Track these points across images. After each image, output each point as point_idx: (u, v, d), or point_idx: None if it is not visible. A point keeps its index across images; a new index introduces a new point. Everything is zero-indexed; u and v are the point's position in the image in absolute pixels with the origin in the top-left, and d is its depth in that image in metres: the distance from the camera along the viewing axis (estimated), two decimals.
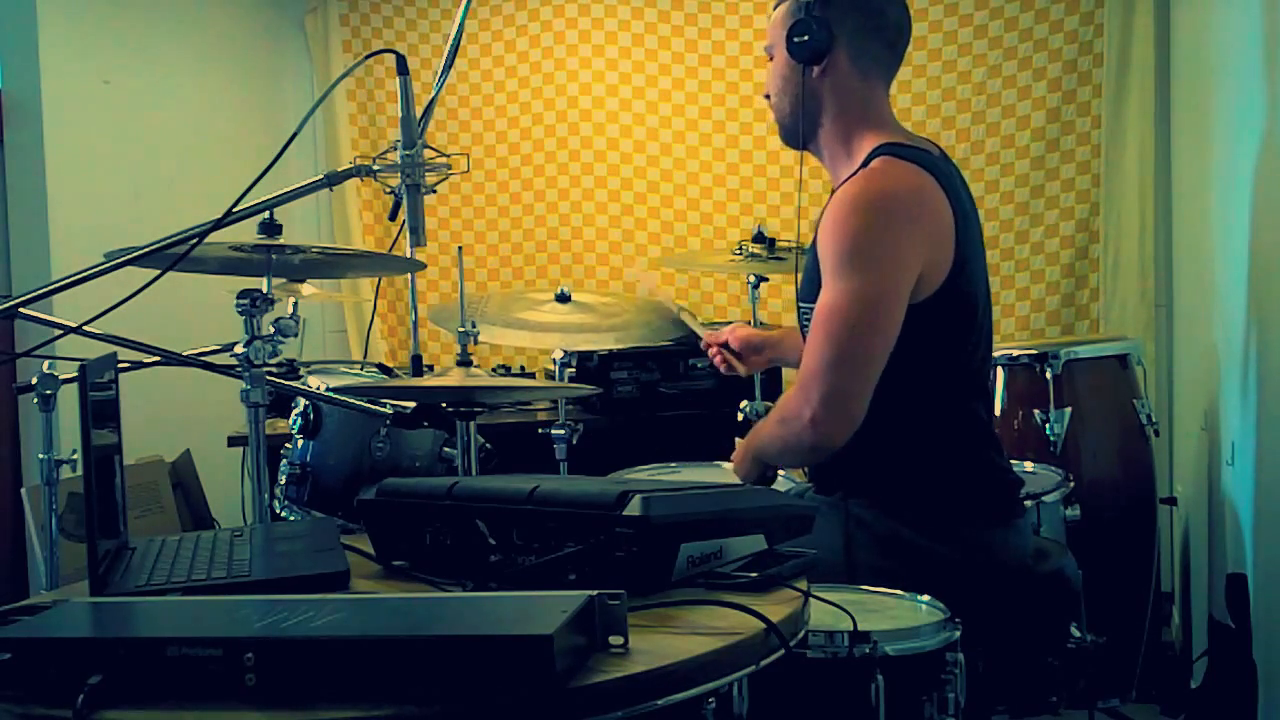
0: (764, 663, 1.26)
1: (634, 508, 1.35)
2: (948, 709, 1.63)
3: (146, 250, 1.80)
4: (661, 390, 3.40)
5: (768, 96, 2.16)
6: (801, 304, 2.09)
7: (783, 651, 1.27)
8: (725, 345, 2.51)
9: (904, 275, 1.91)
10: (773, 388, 3.42)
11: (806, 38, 2.02)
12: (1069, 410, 2.86)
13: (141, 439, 3.30)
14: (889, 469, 1.98)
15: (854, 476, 2.00)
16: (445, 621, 1.16)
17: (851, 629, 1.56)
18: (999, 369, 2.95)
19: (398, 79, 1.85)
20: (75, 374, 1.55)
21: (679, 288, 4.14)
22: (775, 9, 2.12)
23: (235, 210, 1.77)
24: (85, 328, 1.89)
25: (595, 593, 1.17)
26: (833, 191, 2.19)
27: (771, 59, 2.13)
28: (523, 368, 3.88)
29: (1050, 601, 2.07)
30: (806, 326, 2.05)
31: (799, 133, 2.09)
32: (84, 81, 3.49)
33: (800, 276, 2.11)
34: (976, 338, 2.02)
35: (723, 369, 2.53)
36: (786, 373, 3.68)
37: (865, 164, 2.00)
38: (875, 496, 1.97)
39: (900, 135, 2.06)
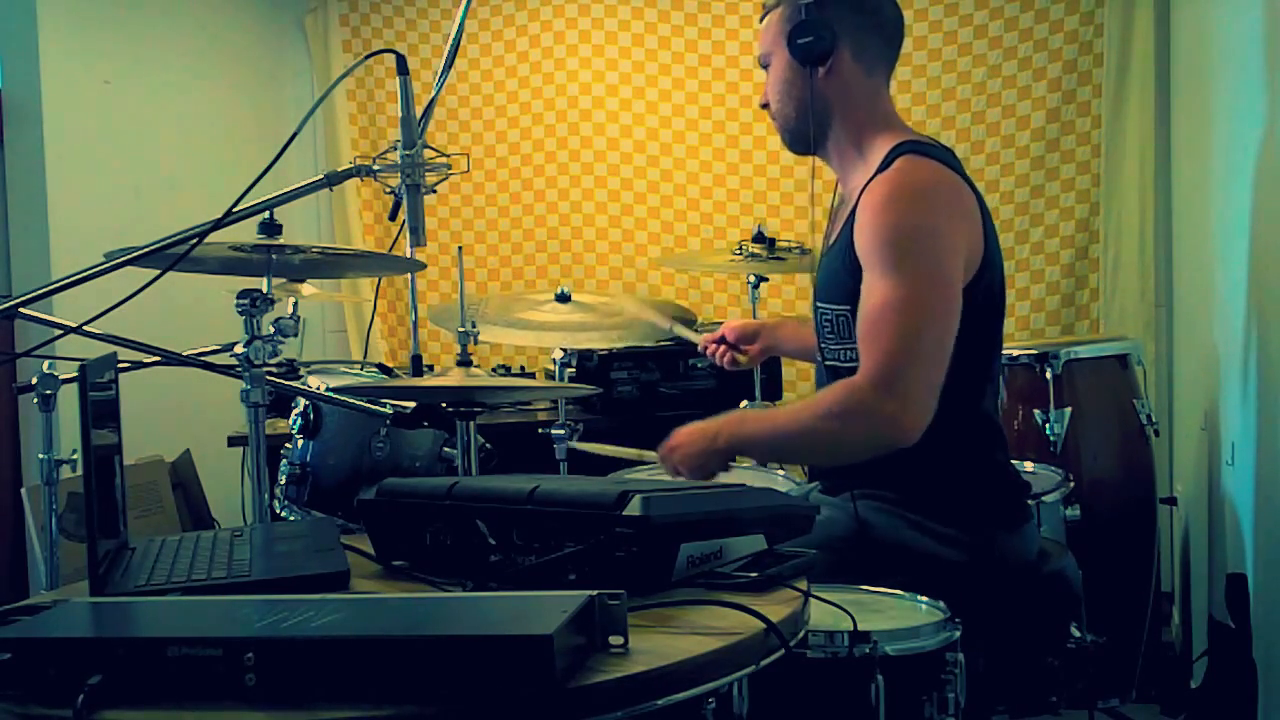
0: (764, 663, 1.26)
1: (634, 508, 1.35)
2: (948, 709, 1.63)
3: (146, 250, 1.80)
4: (661, 390, 3.40)
5: (765, 105, 2.13)
6: (821, 305, 2.04)
7: (783, 651, 1.27)
8: (722, 340, 2.51)
9: (957, 261, 1.89)
10: (773, 387, 3.43)
11: (810, 39, 2.00)
12: (1069, 410, 2.86)
13: (141, 439, 3.30)
14: (900, 470, 1.95)
15: (863, 477, 1.98)
16: (445, 621, 1.16)
17: (851, 629, 1.56)
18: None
19: (398, 79, 1.85)
20: (75, 374, 1.55)
21: (679, 287, 4.14)
22: (764, 17, 2.11)
23: (235, 210, 1.77)
24: (85, 328, 1.89)
25: (595, 593, 1.17)
26: (834, 192, 2.19)
27: (767, 67, 2.11)
28: (523, 368, 3.88)
29: (1050, 602, 2.07)
30: (827, 328, 2.03)
31: (808, 137, 2.06)
32: (84, 82, 3.49)
33: (816, 278, 2.08)
34: (996, 334, 2.02)
35: (727, 365, 2.53)
36: (786, 369, 3.69)
37: (886, 163, 1.97)
38: (885, 498, 1.97)
39: (911, 134, 2.06)
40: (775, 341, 2.49)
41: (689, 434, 1.99)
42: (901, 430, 1.83)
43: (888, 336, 1.84)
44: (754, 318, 3.17)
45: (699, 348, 2.59)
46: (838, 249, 2.01)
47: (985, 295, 1.96)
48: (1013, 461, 2.14)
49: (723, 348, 2.51)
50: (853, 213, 1.98)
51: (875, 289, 1.87)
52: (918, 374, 1.83)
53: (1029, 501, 2.11)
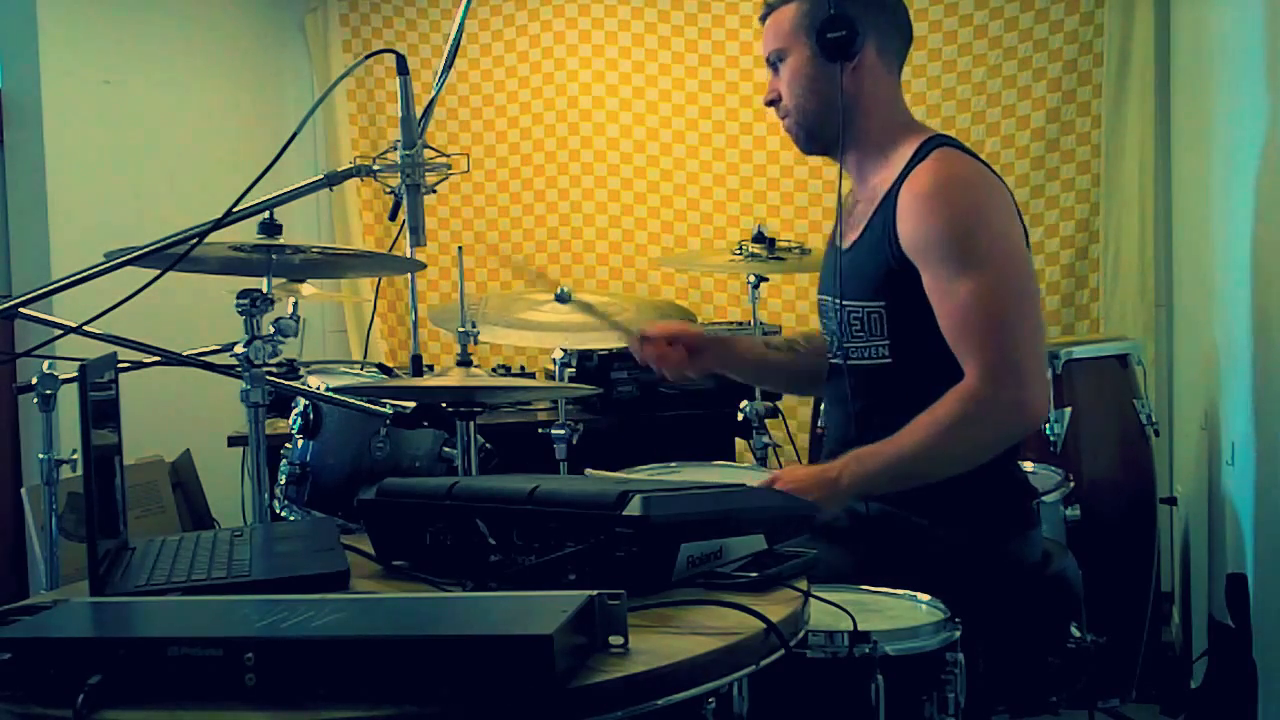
0: (764, 663, 1.26)
1: (634, 508, 1.35)
2: (948, 709, 1.63)
3: (146, 250, 1.80)
4: (661, 390, 3.39)
5: (772, 103, 2.08)
6: (849, 303, 1.99)
7: (783, 651, 1.27)
8: (662, 342, 2.27)
9: (1021, 243, 1.93)
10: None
11: (842, 33, 1.97)
12: (1069, 410, 2.86)
13: (141, 439, 3.30)
14: None
15: None
16: (445, 621, 1.16)
17: (851, 629, 1.56)
18: None
19: (398, 79, 1.85)
20: (75, 374, 1.55)
21: (679, 287, 4.14)
22: (768, 14, 2.06)
23: (235, 210, 1.77)
24: (85, 328, 1.89)
25: (595, 593, 1.17)
26: (838, 191, 2.16)
27: (776, 63, 2.06)
28: (523, 368, 3.88)
29: (1051, 602, 2.07)
30: (855, 326, 1.99)
31: (826, 135, 2.03)
32: (84, 81, 3.49)
33: (829, 276, 2.06)
34: None
35: (654, 364, 2.26)
36: None
37: (919, 156, 1.96)
38: (891, 499, 1.95)
39: (931, 130, 2.05)
40: (726, 354, 2.31)
41: (803, 478, 1.88)
42: (1030, 414, 1.86)
43: (985, 330, 1.85)
44: (754, 317, 3.17)
45: (632, 348, 2.31)
46: (867, 245, 1.98)
47: None
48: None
49: (651, 346, 2.26)
50: (882, 209, 1.96)
51: (954, 289, 1.86)
52: (1026, 357, 1.86)
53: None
